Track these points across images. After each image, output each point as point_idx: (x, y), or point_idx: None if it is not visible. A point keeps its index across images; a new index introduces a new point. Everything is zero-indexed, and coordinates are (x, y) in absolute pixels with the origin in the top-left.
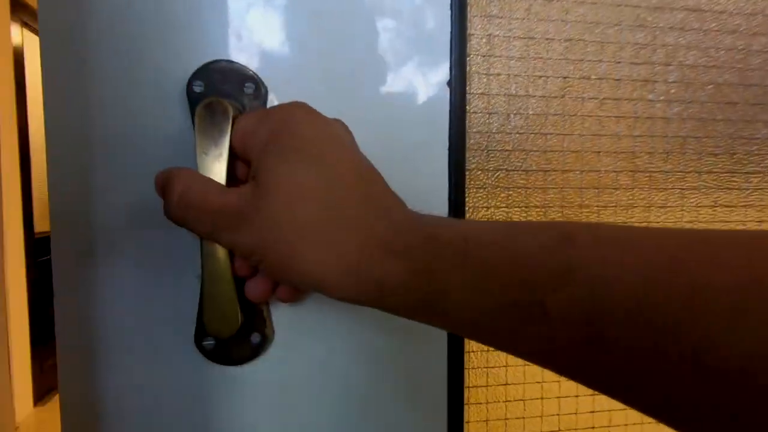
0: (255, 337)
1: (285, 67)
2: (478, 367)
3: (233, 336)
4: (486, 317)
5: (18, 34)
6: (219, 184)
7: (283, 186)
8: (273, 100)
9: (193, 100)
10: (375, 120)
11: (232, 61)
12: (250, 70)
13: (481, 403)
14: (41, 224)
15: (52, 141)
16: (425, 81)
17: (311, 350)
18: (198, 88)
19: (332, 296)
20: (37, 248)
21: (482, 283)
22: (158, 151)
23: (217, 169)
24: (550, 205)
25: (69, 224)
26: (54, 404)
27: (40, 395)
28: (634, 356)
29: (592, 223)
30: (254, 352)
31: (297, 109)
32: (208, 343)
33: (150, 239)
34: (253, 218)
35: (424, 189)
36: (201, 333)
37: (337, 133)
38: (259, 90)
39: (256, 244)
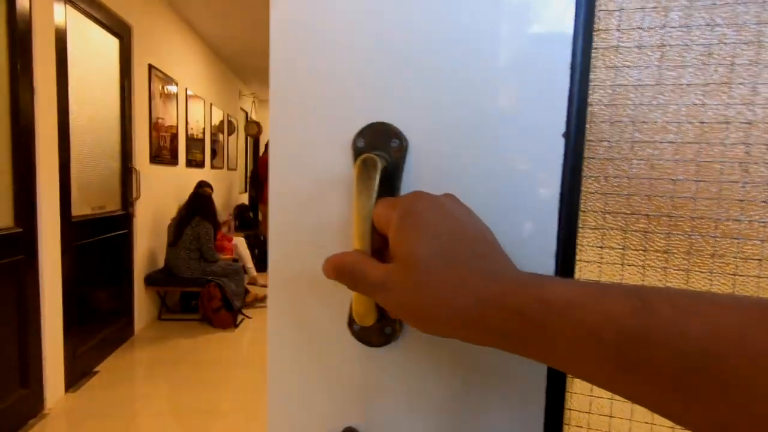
0: (387, 329)
1: (422, 124)
2: (580, 394)
3: (372, 326)
4: (588, 364)
5: (61, 12)
6: (374, 261)
7: (411, 260)
8: (412, 150)
9: (356, 152)
10: (494, 167)
11: (384, 123)
12: (395, 127)
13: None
14: (79, 207)
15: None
16: (540, 132)
17: (428, 346)
18: (360, 144)
19: (456, 338)
20: (73, 232)
21: (583, 339)
22: (332, 187)
23: (367, 206)
24: (674, 251)
25: (283, 248)
26: (85, 390)
27: (72, 381)
28: (708, 407)
29: (672, 290)
30: (387, 339)
31: (415, 198)
32: (356, 327)
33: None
34: (394, 289)
35: (532, 231)
36: (351, 320)
37: (448, 209)
38: (401, 144)
39: (397, 305)
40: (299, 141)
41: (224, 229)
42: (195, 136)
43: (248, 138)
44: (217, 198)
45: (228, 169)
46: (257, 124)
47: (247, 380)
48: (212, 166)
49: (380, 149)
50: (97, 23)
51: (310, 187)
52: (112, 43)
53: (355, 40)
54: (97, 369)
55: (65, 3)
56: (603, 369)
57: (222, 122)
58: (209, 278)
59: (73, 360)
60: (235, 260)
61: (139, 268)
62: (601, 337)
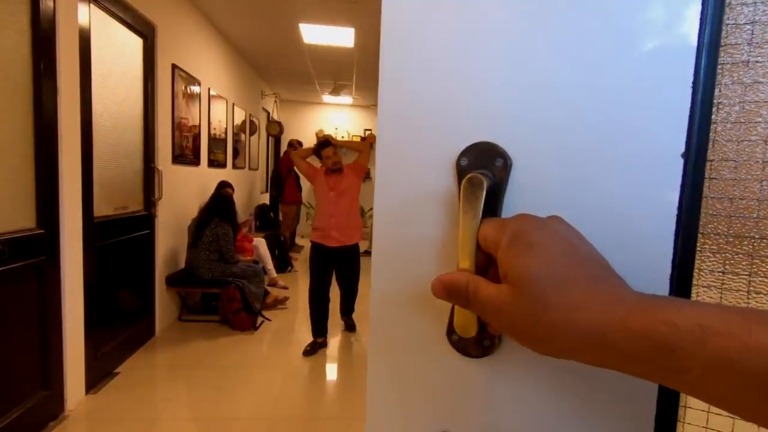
0: (486, 342)
1: (525, 144)
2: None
3: (471, 338)
4: (726, 391)
5: (85, 12)
6: (485, 281)
7: (525, 281)
8: (516, 170)
9: (460, 171)
10: (606, 189)
11: (488, 142)
12: (500, 147)
13: None
14: (101, 208)
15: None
16: (657, 151)
17: (527, 360)
18: (464, 162)
19: (572, 360)
20: (95, 232)
21: (722, 368)
22: (436, 204)
23: (472, 224)
24: None
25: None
26: (106, 392)
27: (93, 382)
28: None
29: None
30: (485, 351)
31: (524, 220)
32: (455, 337)
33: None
34: (507, 310)
35: (647, 254)
36: (451, 330)
37: (558, 230)
38: (506, 163)
39: (509, 326)
40: (404, 158)
41: (244, 230)
42: (217, 136)
43: (270, 138)
44: (239, 198)
45: (250, 169)
46: (279, 123)
47: (266, 385)
48: (234, 166)
49: (485, 168)
50: (121, 23)
51: (413, 204)
52: (136, 43)
53: (462, 61)
54: (117, 370)
55: (89, 2)
56: (746, 398)
57: (244, 122)
58: (229, 279)
59: (94, 361)
60: (256, 262)
61: (161, 268)
62: (749, 367)
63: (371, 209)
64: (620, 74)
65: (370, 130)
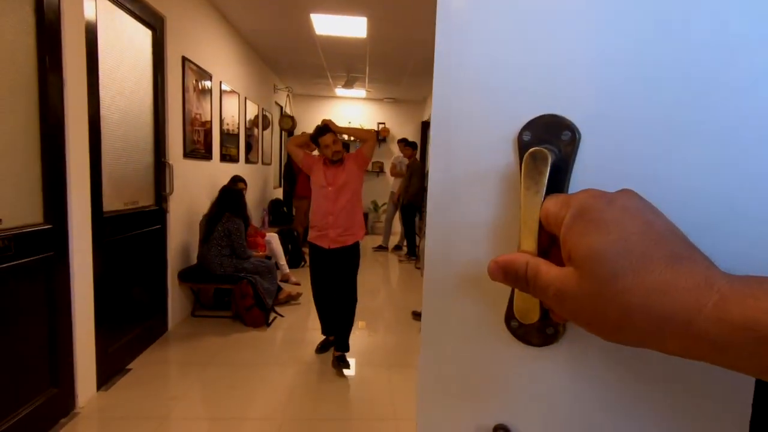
0: (549, 330)
1: (596, 117)
2: None
3: (533, 324)
4: None
5: (92, 3)
6: (547, 263)
7: (593, 263)
8: (584, 143)
9: (521, 146)
10: (692, 161)
11: (554, 115)
12: (568, 119)
13: None
14: (111, 203)
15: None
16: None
17: (596, 350)
18: (526, 137)
19: (651, 349)
20: (105, 228)
21: None
22: (494, 183)
23: (535, 202)
24: None
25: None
26: (117, 389)
27: (104, 379)
28: None
29: None
30: (547, 339)
31: (592, 195)
32: (514, 323)
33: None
34: (573, 294)
35: (750, 238)
36: (510, 316)
37: (625, 204)
38: (574, 136)
39: (575, 311)
40: (460, 135)
41: (258, 224)
42: (230, 131)
43: (282, 132)
44: (252, 193)
45: (263, 163)
46: (292, 118)
47: (279, 384)
48: (247, 161)
49: (549, 142)
50: (129, 14)
51: (469, 183)
52: (145, 35)
53: (525, 28)
54: (129, 366)
55: None
56: None
57: (257, 117)
58: (241, 275)
59: (105, 358)
60: (268, 257)
61: (173, 264)
62: None
63: (384, 204)
64: (703, 42)
65: (383, 123)
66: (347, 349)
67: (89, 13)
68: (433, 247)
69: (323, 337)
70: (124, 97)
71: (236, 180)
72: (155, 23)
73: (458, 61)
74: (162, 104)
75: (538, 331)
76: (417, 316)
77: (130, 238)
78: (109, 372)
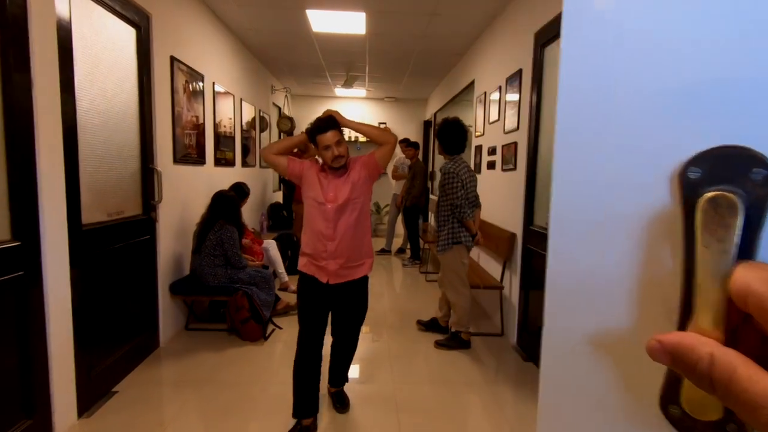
0: (731, 427)
1: None
2: None
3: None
4: None
5: (64, 1)
6: (751, 365)
7: None
8: None
9: (687, 186)
10: None
11: (740, 146)
12: (760, 153)
13: None
14: (92, 214)
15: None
16: None
17: None
18: (694, 175)
19: None
20: (84, 241)
21: None
22: (641, 229)
23: (720, 265)
24: None
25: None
26: (102, 415)
27: (87, 404)
28: None
29: None
30: None
31: None
32: (675, 411)
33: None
34: None
35: None
36: (668, 398)
37: None
38: None
39: None
40: (595, 165)
41: (256, 229)
42: (225, 134)
43: (281, 134)
44: (251, 197)
45: (261, 167)
46: (290, 119)
47: (276, 406)
48: (243, 165)
49: (731, 183)
50: (109, 11)
51: (605, 224)
52: (128, 33)
53: (689, 27)
54: (115, 389)
55: None
56: None
57: (254, 118)
58: (236, 286)
59: (88, 381)
60: (265, 266)
61: (164, 275)
62: None
63: (387, 206)
64: None
65: (384, 123)
66: (346, 380)
67: (62, 8)
68: (556, 298)
69: (294, 422)
70: (105, 100)
71: (239, 186)
72: (139, 21)
73: (590, 68)
74: (149, 107)
75: (715, 428)
76: (422, 325)
77: (115, 251)
78: (92, 396)
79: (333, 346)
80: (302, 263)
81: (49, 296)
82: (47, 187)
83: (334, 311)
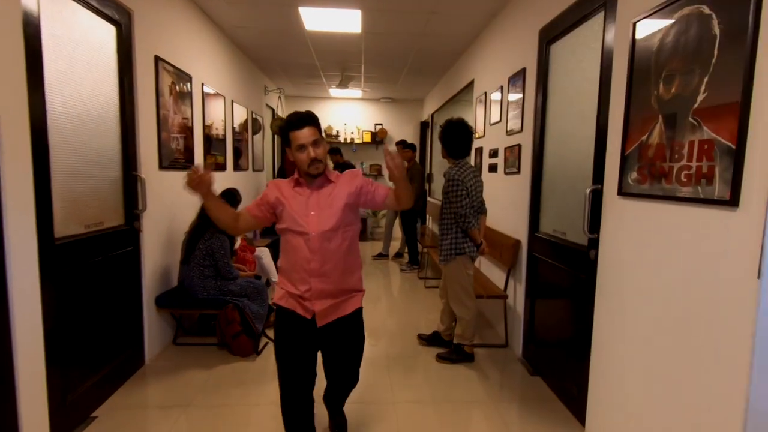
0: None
1: None
2: None
3: None
4: None
5: None
6: None
7: None
8: None
9: None
10: None
11: None
12: None
13: None
14: (66, 227)
15: None
16: None
17: None
18: None
19: None
20: (58, 257)
21: None
22: None
23: None
24: None
25: None
26: None
27: None
28: None
29: None
30: None
31: None
32: None
33: None
34: None
35: None
36: None
37: None
38: None
39: None
40: None
41: (249, 235)
42: (215, 137)
43: (275, 136)
44: (244, 202)
45: (254, 170)
46: (283, 120)
47: (268, 426)
48: (236, 168)
49: None
50: (85, 6)
51: None
52: (107, 32)
53: None
54: (95, 414)
55: None
56: None
57: (246, 121)
58: (227, 298)
59: (63, 408)
60: (258, 276)
61: (150, 288)
62: None
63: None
64: None
65: (381, 124)
66: (344, 419)
67: (28, 2)
68: None
69: None
70: (81, 102)
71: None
72: (120, 18)
73: None
74: (131, 110)
75: None
76: (423, 340)
77: (94, 264)
78: (68, 424)
79: (328, 389)
80: (279, 295)
81: (16, 317)
82: (13, 199)
83: (325, 352)
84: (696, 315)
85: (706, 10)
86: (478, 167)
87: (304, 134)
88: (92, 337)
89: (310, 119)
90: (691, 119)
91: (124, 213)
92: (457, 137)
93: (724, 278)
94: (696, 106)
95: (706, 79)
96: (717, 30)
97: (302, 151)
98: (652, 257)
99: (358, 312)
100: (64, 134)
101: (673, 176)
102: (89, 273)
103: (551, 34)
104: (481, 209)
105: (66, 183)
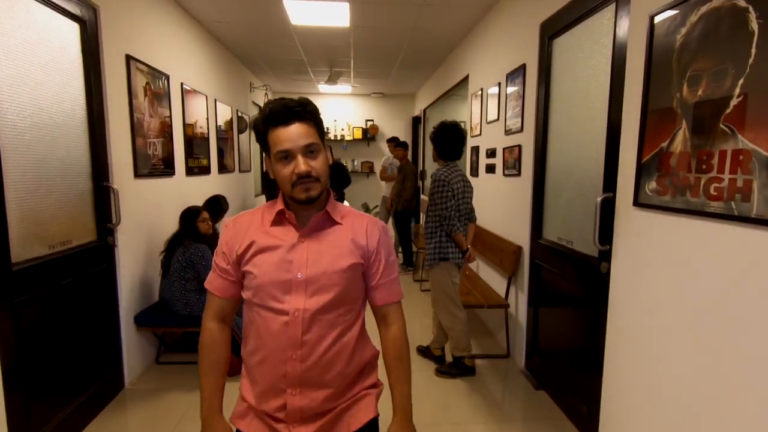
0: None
1: None
2: None
3: None
4: None
5: None
6: None
7: None
8: None
9: None
10: None
11: None
12: None
13: None
14: (26, 249)
15: None
16: None
17: None
18: None
19: None
20: (16, 284)
21: None
22: None
23: None
24: None
25: None
26: None
27: None
28: None
29: None
30: None
31: None
32: None
33: None
34: None
35: None
36: None
37: None
38: None
39: None
40: None
41: None
42: (197, 138)
43: None
44: (231, 204)
45: (240, 171)
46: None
47: None
48: (220, 171)
49: None
50: (42, 3)
51: None
52: (69, 30)
53: None
54: None
55: None
56: None
57: (231, 120)
58: None
59: None
60: None
61: (128, 306)
62: None
63: (376, 206)
64: None
65: (372, 120)
66: None
67: None
68: None
69: None
70: (39, 111)
71: (213, 202)
72: (84, 14)
73: None
74: (100, 115)
75: None
76: (420, 353)
77: (61, 288)
78: None
79: None
80: (239, 411)
81: None
82: None
83: None
84: (726, 342)
85: (741, 2)
86: (475, 167)
87: (291, 133)
88: (63, 365)
89: (302, 110)
90: (722, 126)
91: (95, 228)
92: (449, 139)
93: (762, 304)
94: (729, 111)
95: (741, 82)
96: (755, 26)
97: (286, 162)
98: (675, 276)
99: (374, 424)
100: (19, 148)
101: (701, 189)
102: (56, 297)
103: (554, 28)
104: (470, 217)
105: (24, 201)
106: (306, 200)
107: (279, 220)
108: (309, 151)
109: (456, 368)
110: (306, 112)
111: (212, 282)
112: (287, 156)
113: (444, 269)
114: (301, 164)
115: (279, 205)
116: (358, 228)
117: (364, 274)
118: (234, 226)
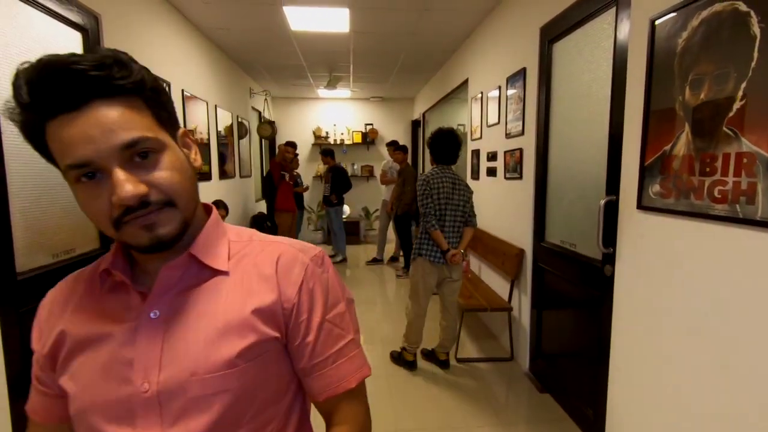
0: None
1: None
2: None
3: None
4: None
5: None
6: None
7: None
8: None
9: None
10: None
11: None
12: None
13: None
14: (31, 259)
15: None
16: None
17: None
18: None
19: None
20: (21, 294)
21: None
22: None
23: None
24: None
25: None
26: None
27: None
28: None
29: None
30: None
31: None
32: None
33: None
34: None
35: None
36: None
37: None
38: None
39: None
40: None
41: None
42: (199, 144)
43: (262, 140)
44: (232, 210)
45: (241, 176)
46: (271, 124)
47: None
48: (221, 176)
49: None
50: (42, 11)
51: None
52: (71, 39)
53: None
54: None
55: None
56: None
57: (231, 125)
58: None
59: None
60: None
61: None
62: None
63: (377, 210)
64: None
65: (371, 124)
66: None
67: None
68: None
69: None
70: None
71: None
72: (85, 23)
73: None
74: None
75: None
76: (427, 356)
77: None
78: None
79: None
80: None
81: None
82: None
83: None
84: (733, 345)
85: (742, 6)
86: (476, 170)
87: (89, 128)
88: None
89: (107, 76)
90: (725, 129)
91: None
92: (443, 144)
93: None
94: (731, 114)
95: (743, 85)
96: (756, 30)
97: (92, 185)
98: (680, 278)
99: None
100: (22, 157)
101: (704, 192)
102: None
103: (554, 32)
104: (467, 221)
105: (28, 211)
106: (153, 245)
107: (116, 286)
108: (137, 154)
109: (398, 359)
110: (117, 79)
111: (30, 399)
112: (91, 173)
113: (419, 265)
114: (124, 185)
115: (107, 258)
116: (260, 271)
117: (287, 349)
118: (50, 305)
